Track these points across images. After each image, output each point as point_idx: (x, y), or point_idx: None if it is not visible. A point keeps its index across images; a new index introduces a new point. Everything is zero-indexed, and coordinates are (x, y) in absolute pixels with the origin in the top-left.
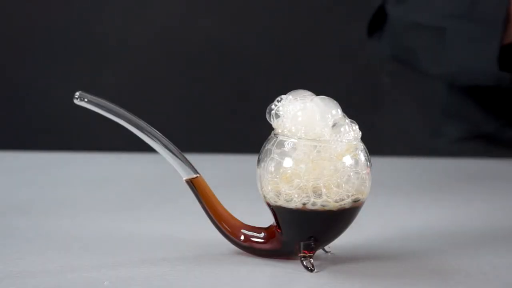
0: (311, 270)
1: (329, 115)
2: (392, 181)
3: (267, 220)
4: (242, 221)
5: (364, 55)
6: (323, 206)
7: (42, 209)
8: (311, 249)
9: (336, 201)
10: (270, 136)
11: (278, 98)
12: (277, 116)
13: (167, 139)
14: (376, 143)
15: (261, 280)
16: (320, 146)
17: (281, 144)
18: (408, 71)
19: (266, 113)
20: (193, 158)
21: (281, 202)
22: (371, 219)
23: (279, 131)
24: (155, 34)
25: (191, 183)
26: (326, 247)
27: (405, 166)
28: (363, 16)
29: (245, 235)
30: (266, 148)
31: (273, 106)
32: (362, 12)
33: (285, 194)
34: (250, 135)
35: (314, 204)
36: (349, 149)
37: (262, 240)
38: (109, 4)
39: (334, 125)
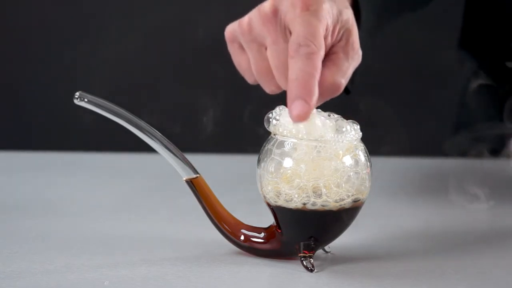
0: (311, 270)
1: (327, 118)
2: (392, 181)
3: (267, 220)
4: (242, 221)
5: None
6: (323, 206)
7: (42, 209)
8: (311, 249)
9: (336, 201)
10: (270, 136)
11: (277, 108)
12: (276, 122)
13: (167, 139)
14: (376, 143)
15: (261, 280)
16: (320, 146)
17: (281, 144)
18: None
19: (264, 121)
20: (193, 158)
21: (281, 202)
22: (371, 219)
23: (280, 131)
24: (155, 34)
25: (191, 183)
26: (326, 247)
27: (405, 166)
28: None
29: (245, 235)
30: (266, 148)
31: (270, 115)
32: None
33: (285, 194)
34: (250, 135)
35: (314, 204)
36: (349, 149)
37: (262, 240)
38: (109, 4)
39: (334, 123)
